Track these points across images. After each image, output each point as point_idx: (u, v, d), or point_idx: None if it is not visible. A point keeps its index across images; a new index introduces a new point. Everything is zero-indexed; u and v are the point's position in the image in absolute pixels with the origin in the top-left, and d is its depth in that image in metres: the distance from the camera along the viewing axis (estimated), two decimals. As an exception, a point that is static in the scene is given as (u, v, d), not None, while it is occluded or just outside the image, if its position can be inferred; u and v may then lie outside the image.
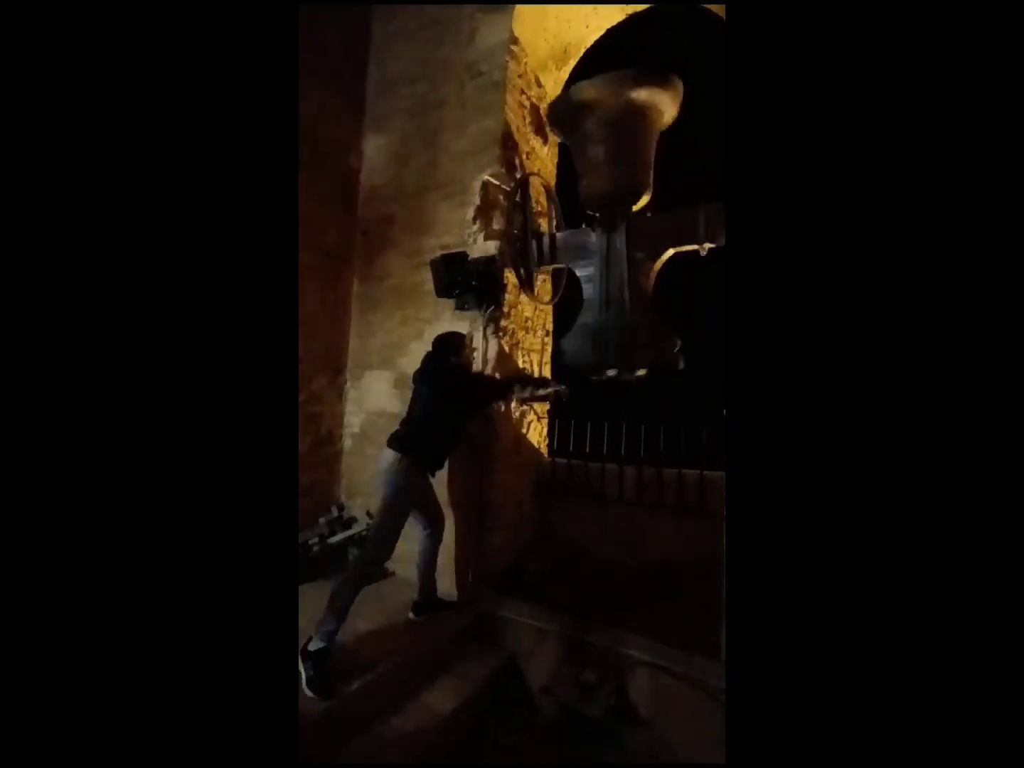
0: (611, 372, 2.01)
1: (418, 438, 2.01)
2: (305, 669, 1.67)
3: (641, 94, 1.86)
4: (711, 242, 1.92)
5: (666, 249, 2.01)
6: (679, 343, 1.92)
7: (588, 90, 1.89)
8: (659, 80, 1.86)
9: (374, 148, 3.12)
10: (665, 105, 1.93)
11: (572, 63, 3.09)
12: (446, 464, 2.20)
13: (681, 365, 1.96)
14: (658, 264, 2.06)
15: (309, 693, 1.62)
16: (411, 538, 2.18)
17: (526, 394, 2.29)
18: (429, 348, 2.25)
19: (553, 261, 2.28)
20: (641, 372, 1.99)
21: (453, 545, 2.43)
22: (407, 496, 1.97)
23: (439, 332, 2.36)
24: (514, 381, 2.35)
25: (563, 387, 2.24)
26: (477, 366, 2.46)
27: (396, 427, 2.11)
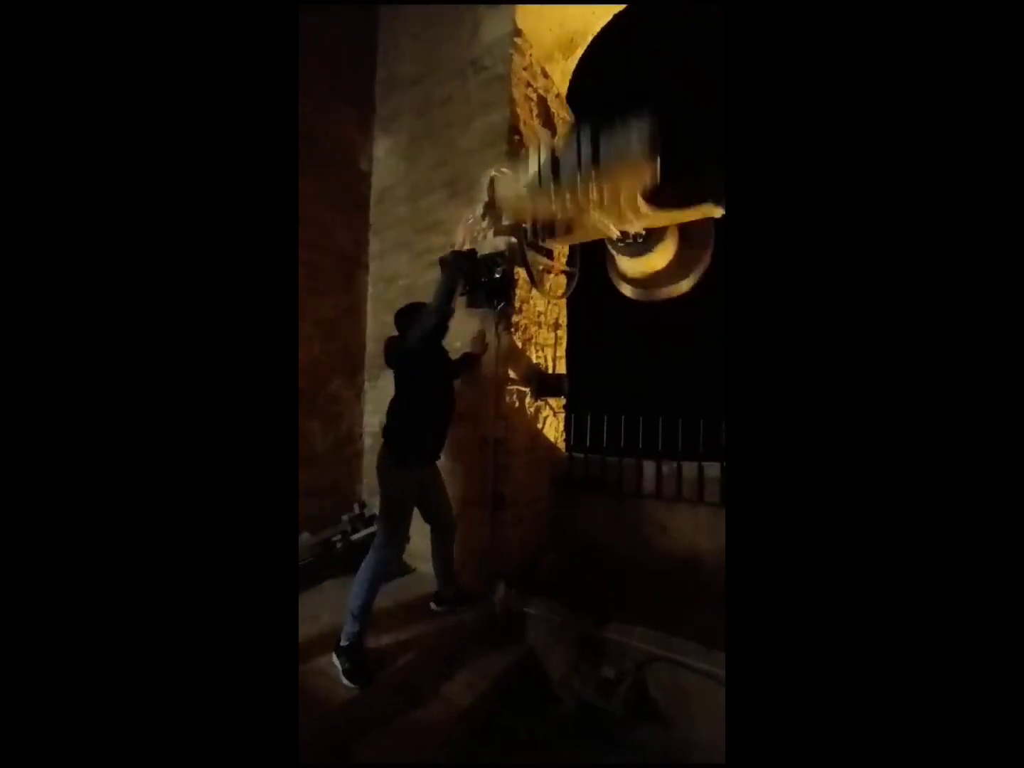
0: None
1: (399, 430, 1.96)
2: (340, 663, 1.73)
3: None
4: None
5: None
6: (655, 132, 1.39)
7: None
8: None
9: (383, 149, 3.15)
10: None
11: (579, 51, 3.04)
12: (465, 461, 2.20)
13: (652, 146, 1.40)
14: None
15: (348, 684, 1.68)
16: (428, 533, 2.21)
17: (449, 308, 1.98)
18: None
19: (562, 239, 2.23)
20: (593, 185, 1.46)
21: (470, 541, 2.46)
22: (401, 492, 1.93)
23: (452, 331, 2.38)
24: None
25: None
26: (491, 363, 2.47)
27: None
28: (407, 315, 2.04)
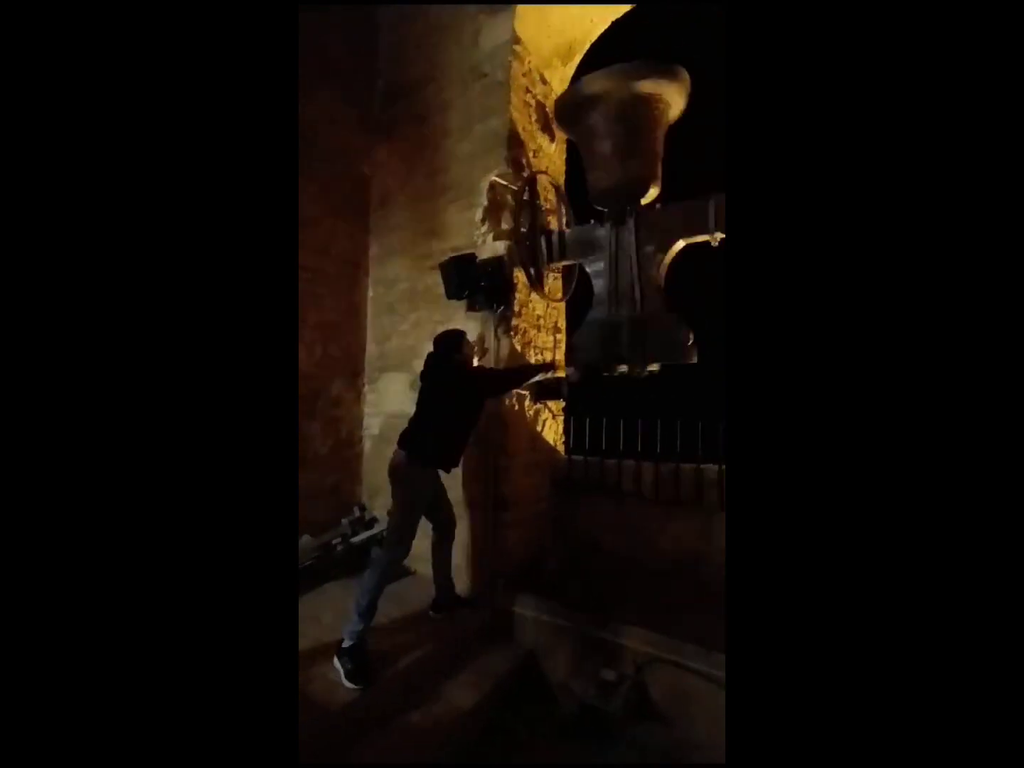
0: (622, 368, 2.01)
1: (427, 437, 2.01)
2: (342, 664, 1.73)
3: (647, 85, 1.86)
4: (722, 232, 1.89)
5: (676, 240, 1.99)
6: (692, 336, 1.89)
7: (594, 83, 1.91)
8: (665, 72, 1.86)
9: (384, 154, 3.18)
10: (672, 97, 1.92)
11: (577, 58, 3.07)
12: (461, 463, 2.21)
13: (694, 358, 1.91)
14: (669, 256, 2.04)
15: (351, 685, 1.68)
16: (430, 536, 2.22)
17: (537, 378, 2.26)
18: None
19: (563, 258, 2.29)
20: (653, 367, 1.98)
21: (470, 543, 2.47)
22: (419, 496, 1.99)
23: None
24: (524, 369, 2.32)
25: (571, 369, 2.23)
26: (489, 365, 2.49)
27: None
28: (452, 339, 2.19)
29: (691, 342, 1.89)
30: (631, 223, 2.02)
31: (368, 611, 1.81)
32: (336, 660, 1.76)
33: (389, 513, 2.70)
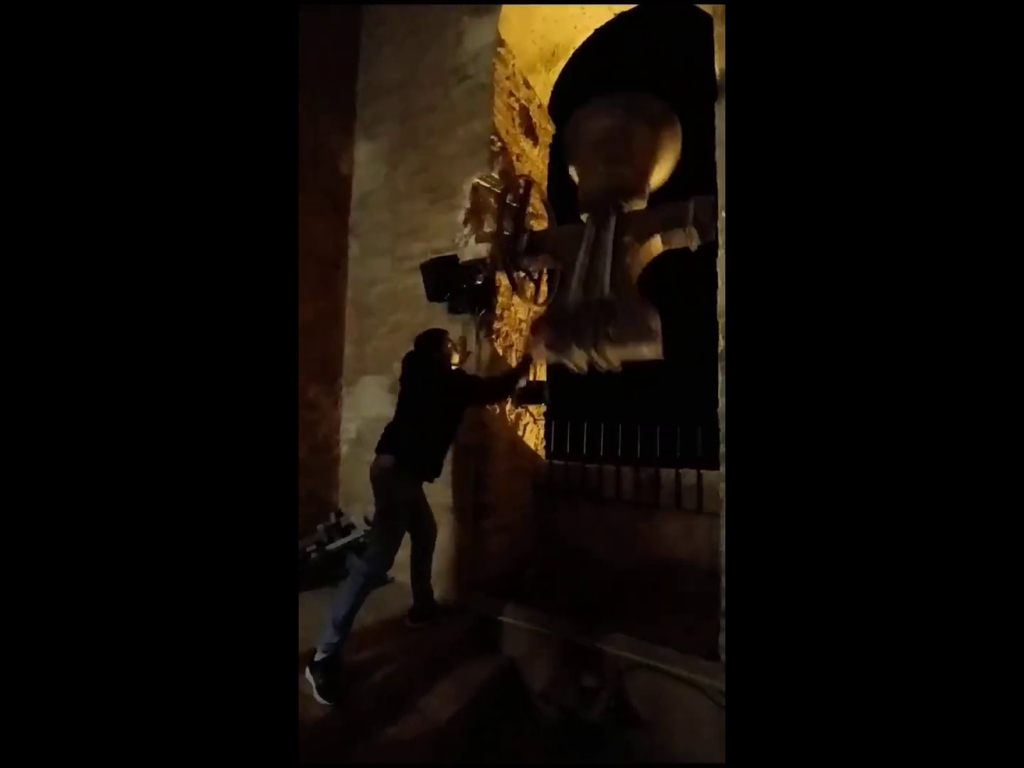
0: (584, 358, 1.96)
1: (410, 443, 1.95)
2: (315, 679, 1.66)
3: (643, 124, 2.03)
4: (702, 234, 1.92)
5: (654, 234, 2.00)
6: (658, 321, 1.86)
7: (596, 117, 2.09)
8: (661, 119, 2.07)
9: (364, 154, 3.13)
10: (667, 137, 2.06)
11: (561, 64, 3.09)
12: (446, 469, 2.17)
13: (659, 345, 1.85)
14: (646, 252, 2.05)
15: (322, 701, 1.62)
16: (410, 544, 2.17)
17: (520, 384, 2.22)
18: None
19: (544, 258, 2.28)
20: (615, 358, 1.93)
21: (451, 550, 2.42)
22: (404, 506, 1.92)
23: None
24: (509, 376, 2.24)
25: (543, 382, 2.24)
26: (470, 369, 2.46)
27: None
28: (433, 339, 2.12)
29: (658, 326, 1.85)
30: (611, 223, 2.03)
31: (345, 624, 1.74)
32: (308, 673, 1.69)
33: (367, 520, 2.63)
